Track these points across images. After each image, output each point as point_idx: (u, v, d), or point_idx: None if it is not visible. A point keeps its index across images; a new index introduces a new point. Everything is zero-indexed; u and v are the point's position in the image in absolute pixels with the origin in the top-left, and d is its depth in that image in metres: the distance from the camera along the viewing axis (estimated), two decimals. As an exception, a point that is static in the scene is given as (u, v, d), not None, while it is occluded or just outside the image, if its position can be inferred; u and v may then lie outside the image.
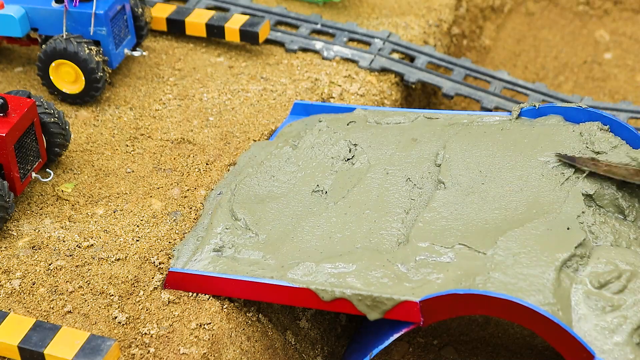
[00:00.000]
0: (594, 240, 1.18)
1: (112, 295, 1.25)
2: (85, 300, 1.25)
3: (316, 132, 1.46)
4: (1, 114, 1.31)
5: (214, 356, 1.20)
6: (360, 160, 1.39)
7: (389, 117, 1.47)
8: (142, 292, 1.26)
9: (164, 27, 1.77)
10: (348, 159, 1.40)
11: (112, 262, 1.30)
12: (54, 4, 1.57)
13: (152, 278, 1.28)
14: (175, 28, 1.77)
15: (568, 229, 1.18)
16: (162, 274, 1.29)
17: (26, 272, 1.28)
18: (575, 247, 1.15)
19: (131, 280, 1.28)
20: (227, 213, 1.33)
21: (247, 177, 1.39)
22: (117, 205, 1.40)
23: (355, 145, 1.42)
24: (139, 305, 1.24)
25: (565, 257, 1.14)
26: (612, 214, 1.23)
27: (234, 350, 1.24)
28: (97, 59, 1.54)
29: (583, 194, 1.25)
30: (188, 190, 1.44)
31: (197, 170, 1.48)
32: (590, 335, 1.08)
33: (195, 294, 1.26)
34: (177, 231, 1.36)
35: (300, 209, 1.33)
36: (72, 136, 1.52)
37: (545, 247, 1.16)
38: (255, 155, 1.46)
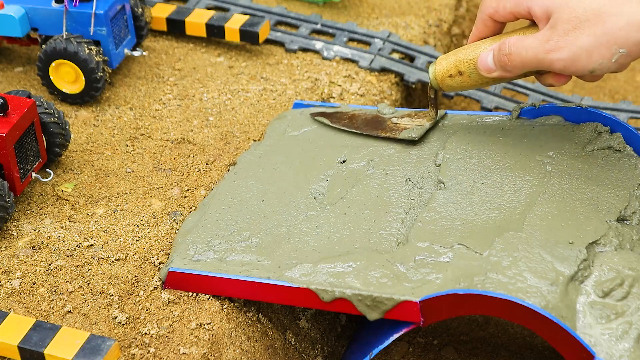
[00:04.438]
0: (597, 247, 1.18)
1: (112, 295, 1.25)
2: (85, 300, 1.25)
3: (302, 133, 1.47)
4: (1, 114, 1.31)
5: (214, 356, 1.20)
6: (354, 161, 1.39)
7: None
8: (142, 292, 1.26)
9: (164, 27, 1.77)
10: (344, 161, 1.40)
11: (112, 262, 1.30)
12: (54, 4, 1.57)
13: (152, 278, 1.28)
14: (175, 28, 1.77)
15: (570, 242, 1.18)
16: (162, 274, 1.29)
17: (26, 272, 1.28)
18: (580, 263, 1.15)
19: (131, 280, 1.28)
20: (219, 216, 1.33)
21: (242, 179, 1.40)
22: (117, 205, 1.40)
23: (346, 146, 1.42)
24: (139, 305, 1.24)
25: (571, 273, 1.14)
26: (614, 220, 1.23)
27: (234, 350, 1.24)
28: (97, 59, 1.54)
29: None
30: (188, 190, 1.44)
31: (197, 170, 1.48)
32: (597, 344, 1.08)
33: (195, 294, 1.26)
34: (177, 231, 1.36)
35: (296, 211, 1.32)
36: (72, 136, 1.52)
37: (547, 251, 1.16)
38: (260, 156, 1.46)
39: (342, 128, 1.45)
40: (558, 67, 1.17)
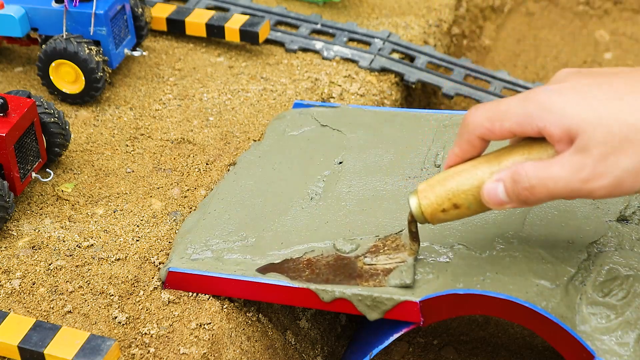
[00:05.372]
0: (597, 247, 1.18)
1: (112, 295, 1.25)
2: (85, 300, 1.25)
3: (301, 133, 1.47)
4: (1, 114, 1.31)
5: (214, 356, 1.20)
6: (352, 161, 1.39)
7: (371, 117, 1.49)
8: (142, 292, 1.26)
9: (164, 27, 1.77)
10: (341, 162, 1.40)
11: (112, 262, 1.30)
12: (54, 4, 1.57)
13: (152, 278, 1.28)
14: (175, 28, 1.77)
15: (570, 242, 1.18)
16: (162, 274, 1.29)
17: (26, 272, 1.28)
18: (580, 263, 1.15)
19: (131, 280, 1.28)
20: (218, 215, 1.33)
21: (241, 179, 1.40)
22: (117, 205, 1.40)
23: (344, 147, 1.42)
24: (139, 305, 1.24)
25: (571, 273, 1.14)
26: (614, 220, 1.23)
27: (234, 350, 1.24)
28: (97, 59, 1.55)
29: None
30: (188, 190, 1.44)
31: (197, 170, 1.48)
32: (597, 344, 1.08)
33: (195, 294, 1.26)
34: (177, 231, 1.36)
35: (293, 211, 1.32)
36: (72, 136, 1.52)
37: (547, 251, 1.16)
38: (259, 156, 1.46)
39: (306, 286, 1.19)
40: (598, 196, 1.00)
